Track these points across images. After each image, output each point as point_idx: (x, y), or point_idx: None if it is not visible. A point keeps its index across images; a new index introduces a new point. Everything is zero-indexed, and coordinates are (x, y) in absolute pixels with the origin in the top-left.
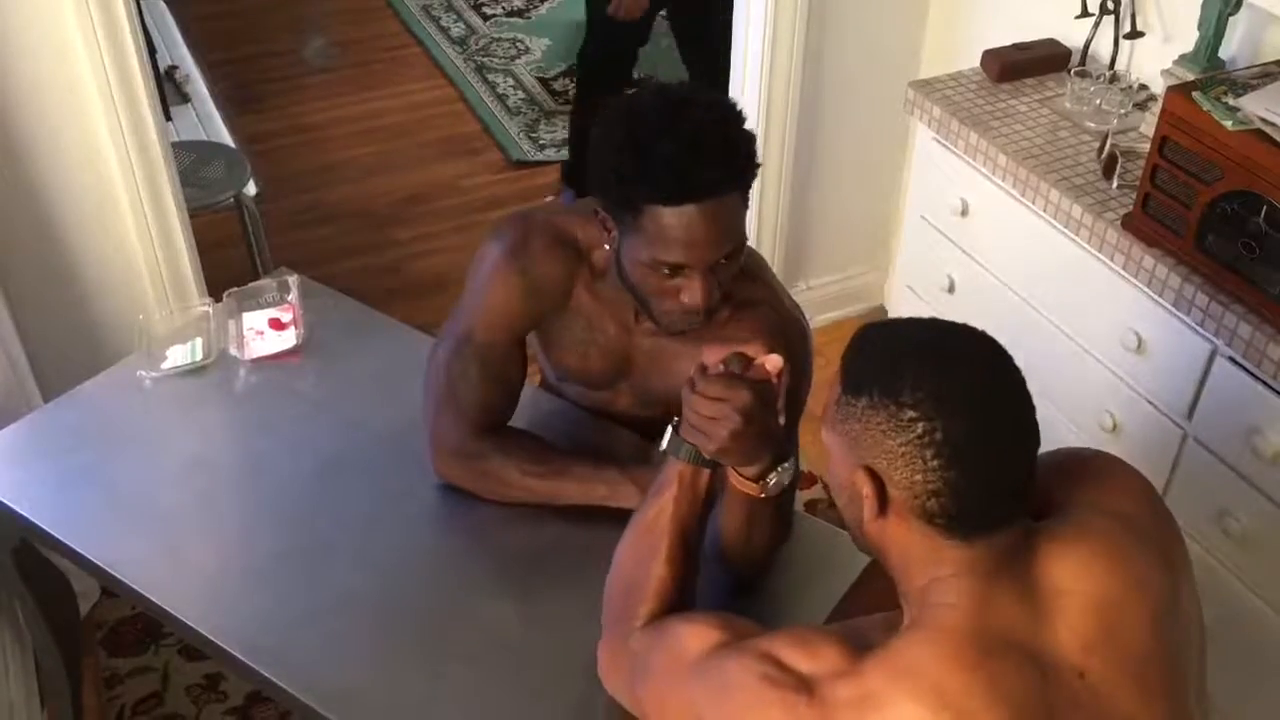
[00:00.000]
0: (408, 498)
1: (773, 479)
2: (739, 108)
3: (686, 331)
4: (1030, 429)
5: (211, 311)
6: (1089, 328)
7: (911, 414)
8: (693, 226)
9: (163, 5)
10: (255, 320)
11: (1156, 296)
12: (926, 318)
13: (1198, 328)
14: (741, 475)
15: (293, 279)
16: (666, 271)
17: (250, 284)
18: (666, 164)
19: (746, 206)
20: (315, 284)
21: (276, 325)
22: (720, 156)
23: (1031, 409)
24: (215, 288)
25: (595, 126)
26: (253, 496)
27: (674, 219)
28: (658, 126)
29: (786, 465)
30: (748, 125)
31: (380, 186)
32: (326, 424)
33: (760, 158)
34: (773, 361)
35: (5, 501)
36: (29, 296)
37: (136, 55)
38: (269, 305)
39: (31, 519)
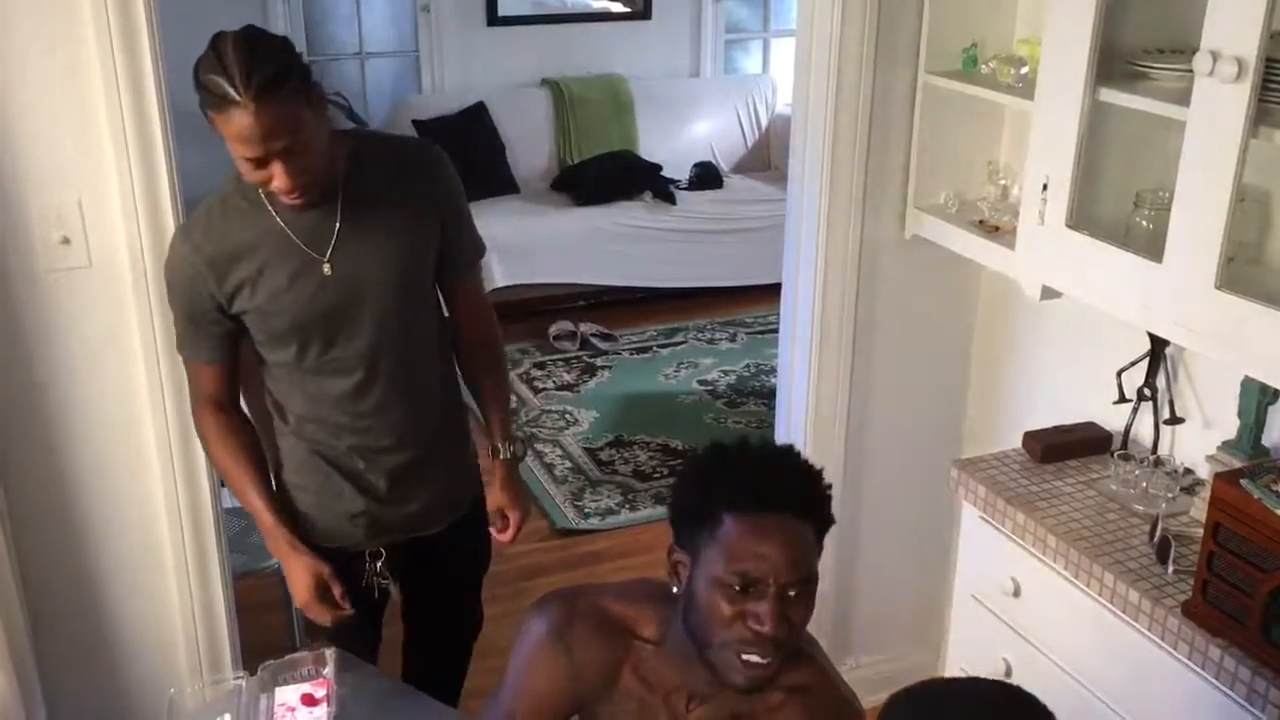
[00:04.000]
0: None
1: None
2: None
3: (747, 689)
4: None
5: (244, 686)
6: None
7: None
8: (769, 538)
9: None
10: (287, 695)
11: (1227, 690)
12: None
13: None
14: None
15: (329, 652)
16: (738, 589)
17: (287, 656)
18: (748, 476)
19: (818, 554)
20: (352, 656)
21: (309, 701)
22: (799, 479)
23: None
24: (253, 653)
25: (682, 464)
26: None
27: (752, 526)
28: (740, 449)
29: None
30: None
31: None
32: None
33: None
34: None
35: None
36: (63, 664)
37: None
38: (303, 680)
39: None
